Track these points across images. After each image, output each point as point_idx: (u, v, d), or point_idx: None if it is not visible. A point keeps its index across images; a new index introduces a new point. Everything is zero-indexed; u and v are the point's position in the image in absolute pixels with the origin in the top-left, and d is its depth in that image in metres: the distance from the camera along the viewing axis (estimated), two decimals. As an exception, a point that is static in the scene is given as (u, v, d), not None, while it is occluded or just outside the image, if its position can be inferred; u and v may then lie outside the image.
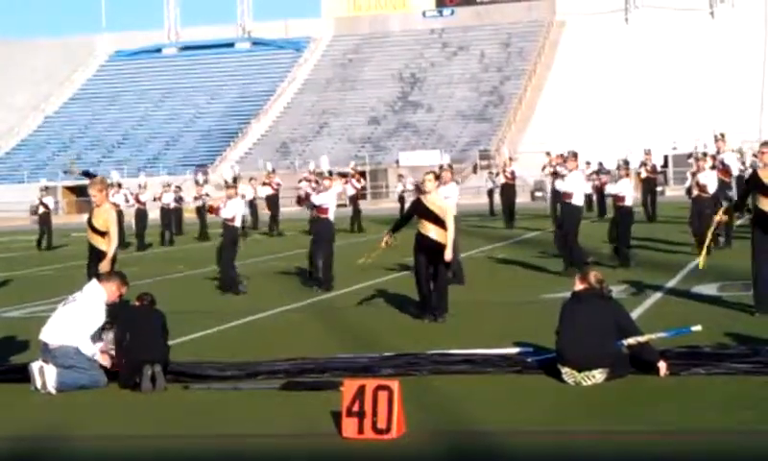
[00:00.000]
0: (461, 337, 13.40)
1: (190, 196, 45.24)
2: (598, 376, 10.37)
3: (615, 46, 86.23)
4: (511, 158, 41.65)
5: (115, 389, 11.19)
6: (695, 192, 23.01)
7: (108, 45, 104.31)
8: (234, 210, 20.33)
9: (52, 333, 11.45)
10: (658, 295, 16.72)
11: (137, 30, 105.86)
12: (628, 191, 21.82)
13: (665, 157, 66.54)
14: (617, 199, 21.80)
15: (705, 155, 24.94)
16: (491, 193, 48.65)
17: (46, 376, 11.22)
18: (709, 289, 16.68)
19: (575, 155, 21.05)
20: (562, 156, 29.17)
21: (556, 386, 10.41)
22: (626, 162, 23.53)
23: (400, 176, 50.67)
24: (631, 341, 10.64)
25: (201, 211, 40.15)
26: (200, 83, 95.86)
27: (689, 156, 25.69)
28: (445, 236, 14.98)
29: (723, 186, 24.43)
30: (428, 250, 15.02)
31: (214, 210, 20.96)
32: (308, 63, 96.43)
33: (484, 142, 78.28)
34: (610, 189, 22.26)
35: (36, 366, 11.30)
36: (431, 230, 15.03)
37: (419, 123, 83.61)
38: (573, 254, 20.26)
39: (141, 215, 37.34)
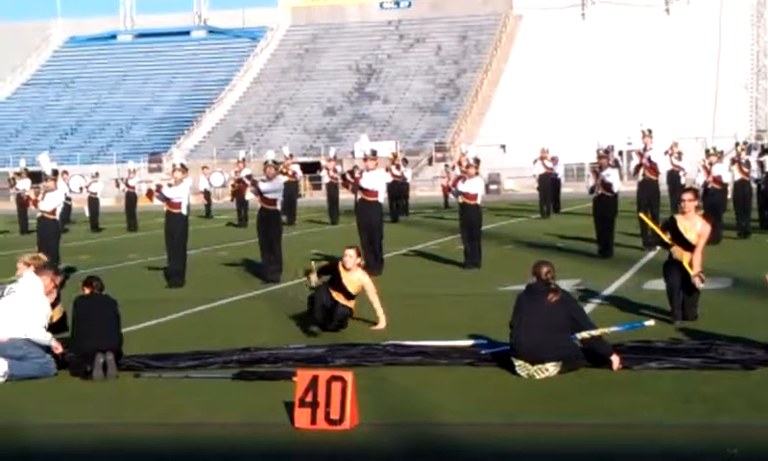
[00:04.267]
0: (416, 328, 13.37)
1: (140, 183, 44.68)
2: (551, 368, 10.38)
3: (572, 41, 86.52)
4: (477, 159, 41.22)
5: (66, 377, 11.08)
6: (599, 191, 21.99)
7: (62, 31, 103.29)
8: (54, 203, 20.72)
9: None
10: (611, 289, 16.78)
11: (92, 16, 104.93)
12: (479, 189, 21.38)
13: (620, 153, 66.80)
14: (467, 197, 21.09)
15: (607, 152, 23.99)
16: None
17: (-7, 367, 11.06)
18: (662, 284, 16.70)
19: (374, 153, 21.24)
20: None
21: (509, 379, 10.41)
22: (477, 160, 22.63)
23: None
24: (584, 335, 10.66)
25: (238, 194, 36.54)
26: (154, 70, 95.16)
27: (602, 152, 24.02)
28: (352, 303, 14.03)
29: (651, 185, 23.16)
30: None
31: (32, 202, 21.24)
32: (264, 53, 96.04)
33: (440, 134, 78.35)
34: (461, 187, 21.44)
35: None
36: (340, 298, 13.96)
37: (374, 114, 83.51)
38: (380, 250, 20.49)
39: (132, 199, 39.46)
